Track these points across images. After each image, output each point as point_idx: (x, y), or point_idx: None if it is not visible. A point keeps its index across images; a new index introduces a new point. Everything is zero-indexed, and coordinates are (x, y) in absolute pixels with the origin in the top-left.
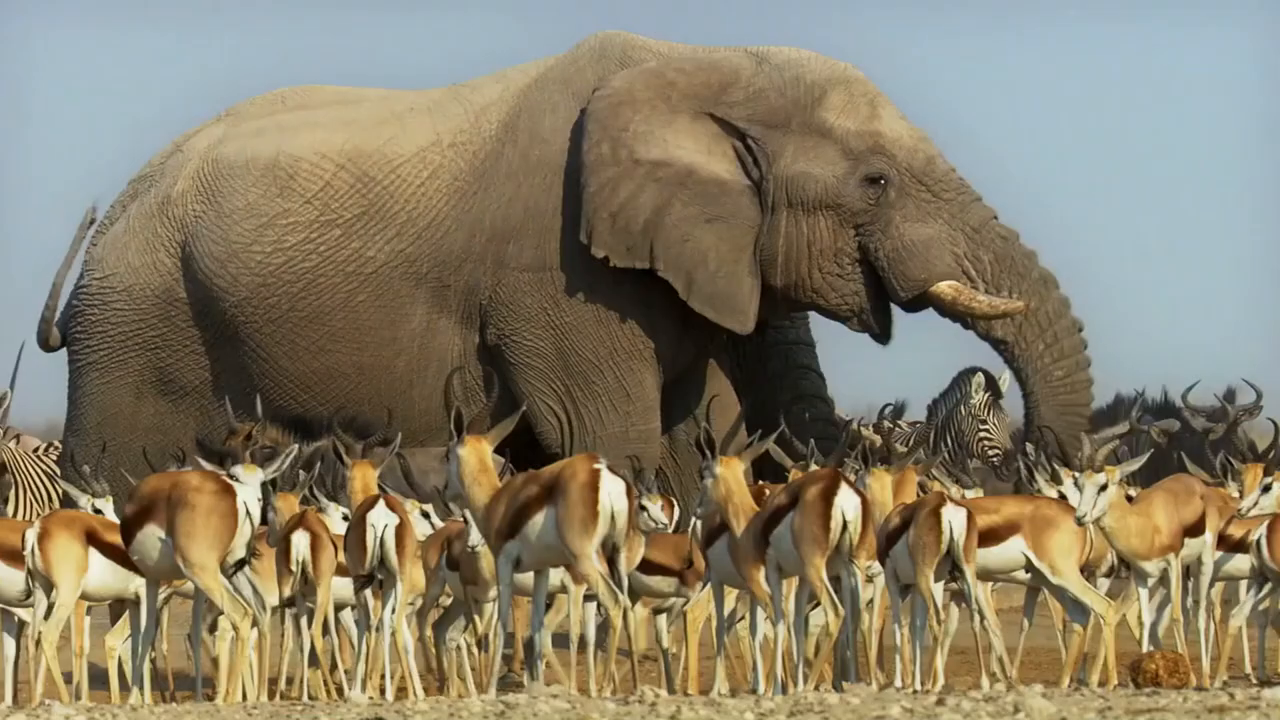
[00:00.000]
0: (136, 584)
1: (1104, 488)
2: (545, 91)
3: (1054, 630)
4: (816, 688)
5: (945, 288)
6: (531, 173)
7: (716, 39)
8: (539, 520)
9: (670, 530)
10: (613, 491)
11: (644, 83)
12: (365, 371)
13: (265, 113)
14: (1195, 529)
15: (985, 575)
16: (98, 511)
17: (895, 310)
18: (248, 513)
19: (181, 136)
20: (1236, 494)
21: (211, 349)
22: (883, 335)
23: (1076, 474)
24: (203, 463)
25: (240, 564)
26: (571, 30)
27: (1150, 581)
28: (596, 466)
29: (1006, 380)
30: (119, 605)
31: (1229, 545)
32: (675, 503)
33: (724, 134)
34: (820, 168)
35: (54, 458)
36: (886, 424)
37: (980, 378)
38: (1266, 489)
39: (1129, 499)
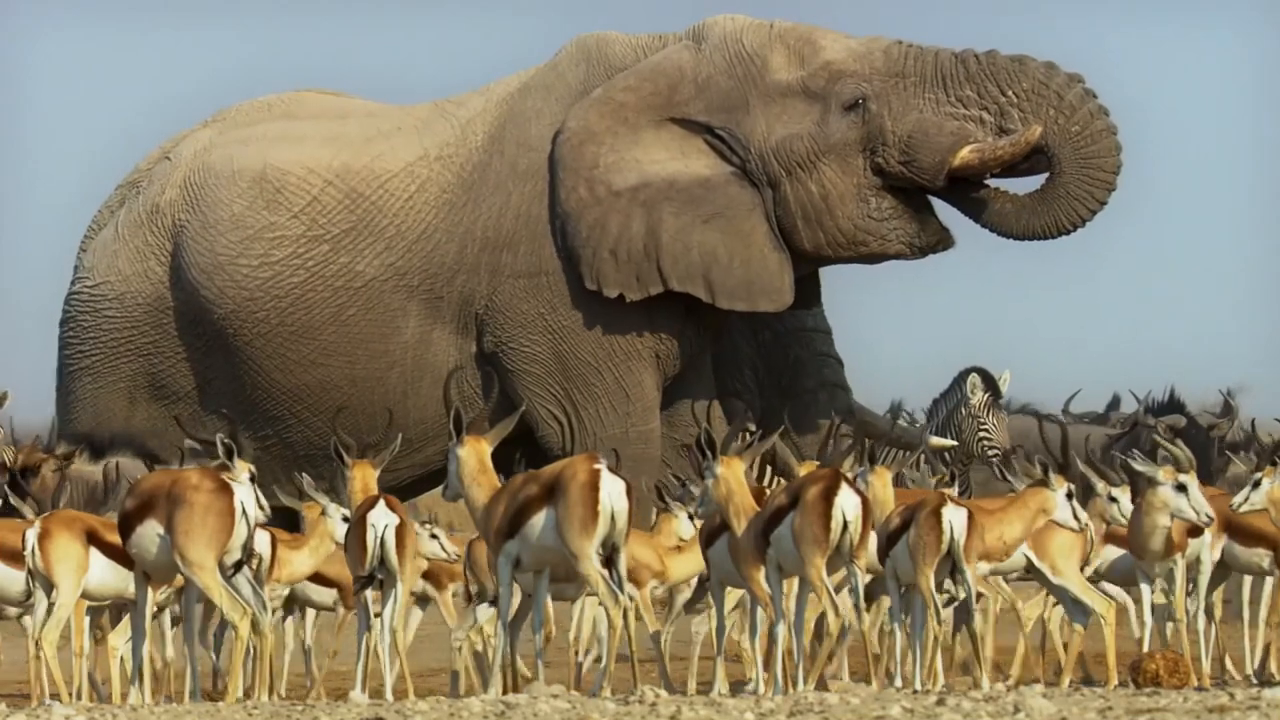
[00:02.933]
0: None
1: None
2: (529, 100)
3: (1056, 630)
4: (817, 687)
5: (968, 154)
6: (522, 181)
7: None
8: (539, 520)
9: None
10: (613, 492)
11: (597, 113)
12: (358, 384)
13: (252, 121)
14: (1194, 529)
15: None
16: None
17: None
18: (244, 512)
19: (170, 141)
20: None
21: (203, 357)
22: (943, 243)
23: (1113, 488)
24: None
25: (238, 565)
26: (553, 41)
27: (1158, 581)
28: (596, 467)
29: (1007, 379)
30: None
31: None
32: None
33: (690, 133)
34: (798, 124)
35: None
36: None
37: (975, 377)
38: (1256, 484)
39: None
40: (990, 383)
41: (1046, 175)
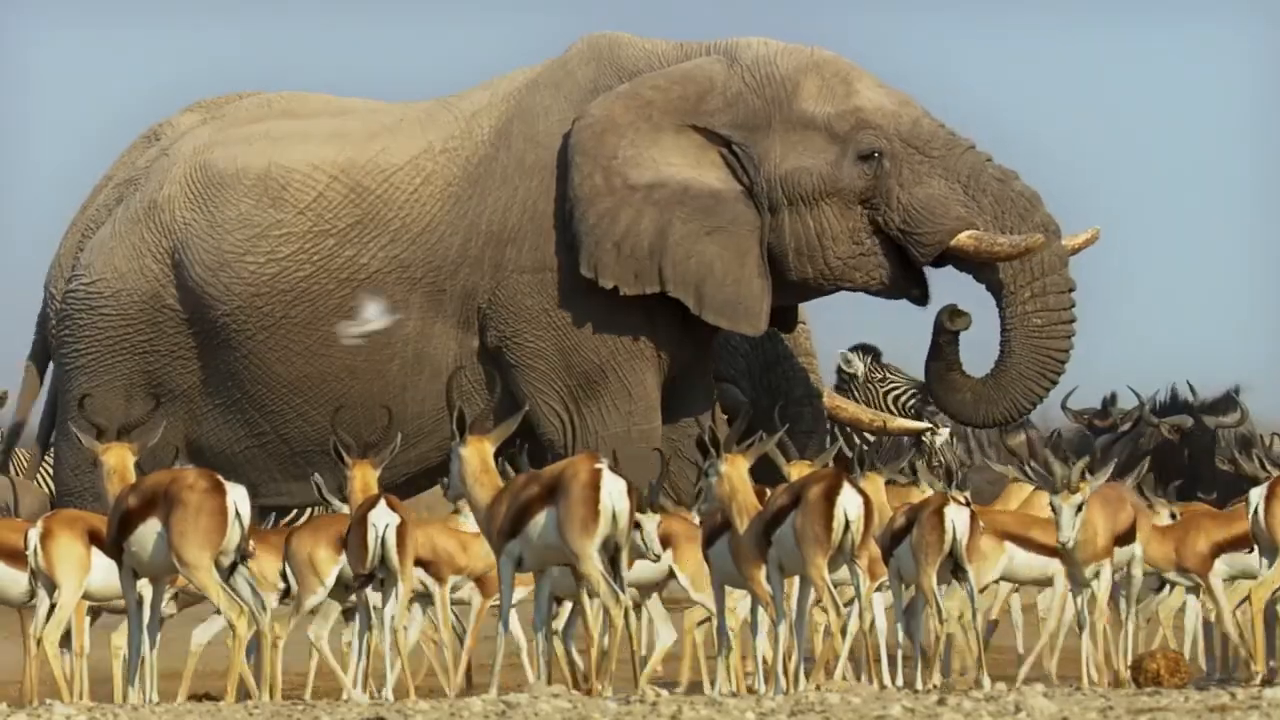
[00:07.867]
0: (140, 584)
1: (1080, 508)
2: (537, 95)
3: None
4: (818, 687)
5: (965, 239)
6: (528, 176)
7: (703, 34)
8: (540, 520)
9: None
10: (614, 491)
11: (623, 106)
12: (358, 375)
13: (253, 119)
14: (1124, 536)
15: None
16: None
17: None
18: (237, 513)
19: (151, 132)
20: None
21: (201, 354)
22: (922, 297)
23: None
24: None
25: (233, 566)
26: (552, 41)
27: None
28: (598, 466)
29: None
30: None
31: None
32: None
33: (709, 143)
34: (811, 159)
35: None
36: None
37: (845, 354)
38: None
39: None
40: (868, 350)
41: (997, 357)
